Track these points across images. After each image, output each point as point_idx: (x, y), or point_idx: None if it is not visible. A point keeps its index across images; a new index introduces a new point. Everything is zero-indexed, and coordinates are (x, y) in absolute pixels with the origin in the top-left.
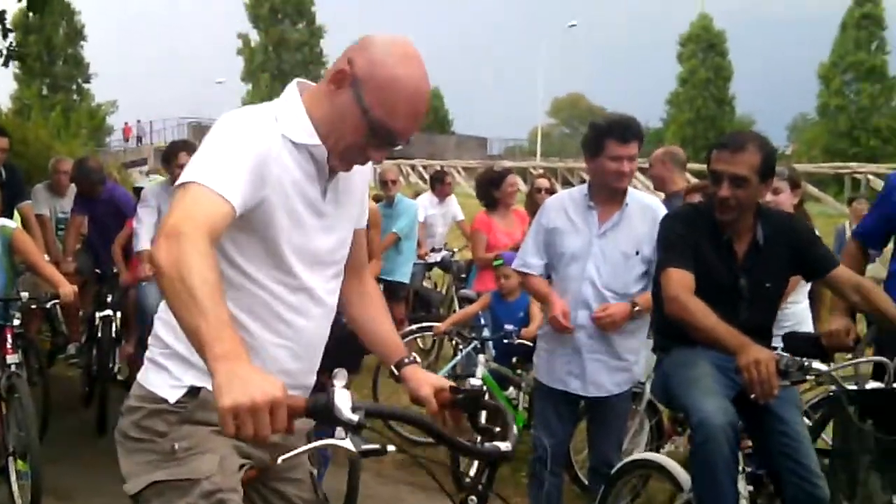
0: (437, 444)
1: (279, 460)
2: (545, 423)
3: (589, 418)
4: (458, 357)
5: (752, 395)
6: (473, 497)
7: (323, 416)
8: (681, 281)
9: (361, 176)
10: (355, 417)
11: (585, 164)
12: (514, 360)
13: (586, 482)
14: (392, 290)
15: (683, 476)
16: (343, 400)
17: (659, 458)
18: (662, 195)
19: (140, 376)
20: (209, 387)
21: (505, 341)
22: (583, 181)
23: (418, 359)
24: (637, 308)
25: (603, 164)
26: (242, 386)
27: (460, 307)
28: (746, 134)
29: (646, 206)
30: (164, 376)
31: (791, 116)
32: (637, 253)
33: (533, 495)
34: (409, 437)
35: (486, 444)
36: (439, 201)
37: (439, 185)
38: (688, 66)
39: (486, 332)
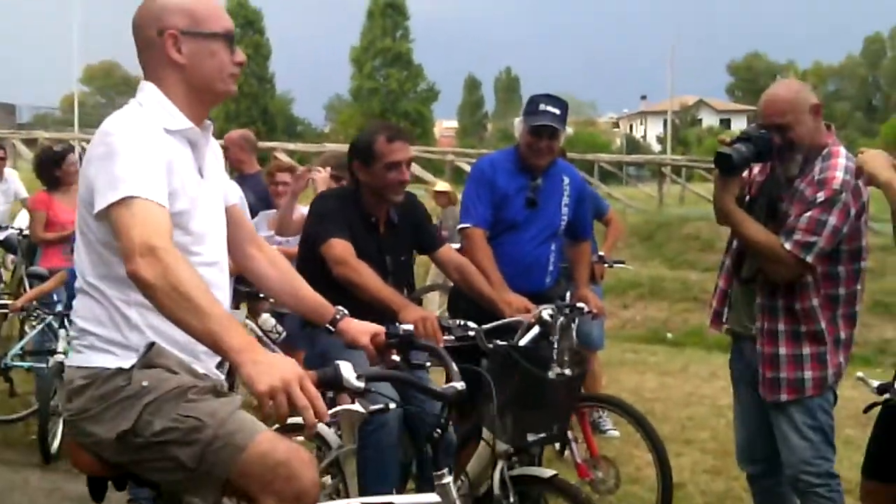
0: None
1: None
2: None
3: None
4: (31, 334)
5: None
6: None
7: (333, 385)
8: (345, 247)
9: (214, 153)
10: (361, 384)
11: None
12: None
13: None
14: None
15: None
16: (348, 370)
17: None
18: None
19: (75, 361)
20: (160, 341)
21: None
22: None
23: (346, 311)
24: None
25: None
26: (270, 370)
27: (31, 285)
28: (399, 126)
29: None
30: (108, 356)
31: (328, 97)
32: None
33: None
34: None
35: (445, 386)
36: None
37: None
38: None
39: (59, 308)
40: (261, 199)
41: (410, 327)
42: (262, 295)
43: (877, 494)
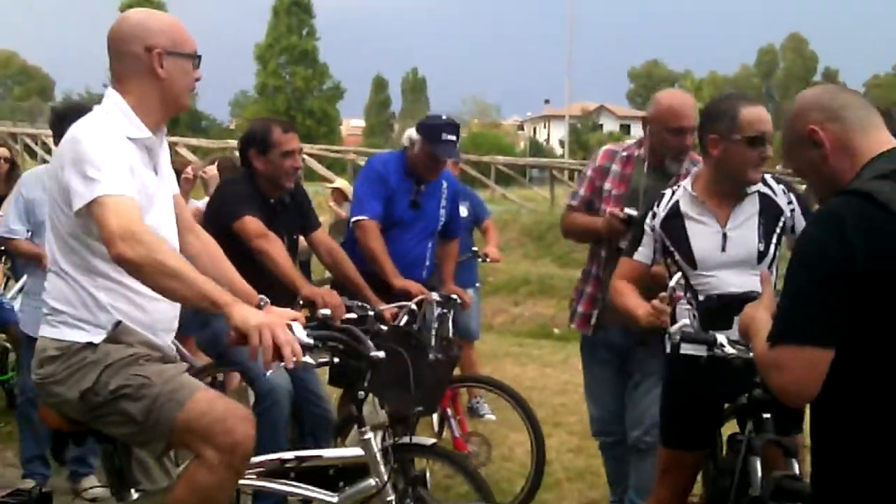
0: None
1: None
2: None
3: None
4: None
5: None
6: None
7: None
8: (259, 223)
9: (165, 151)
10: (310, 340)
11: None
12: None
13: None
14: None
15: None
16: (299, 329)
17: None
18: None
19: (49, 333)
20: (124, 319)
21: None
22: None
23: (268, 300)
24: None
25: None
26: (257, 314)
27: None
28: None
29: None
30: (80, 332)
31: (233, 93)
32: None
33: (28, 436)
34: None
35: (372, 353)
36: None
37: None
38: None
39: None
40: None
41: (328, 312)
42: None
43: (678, 461)
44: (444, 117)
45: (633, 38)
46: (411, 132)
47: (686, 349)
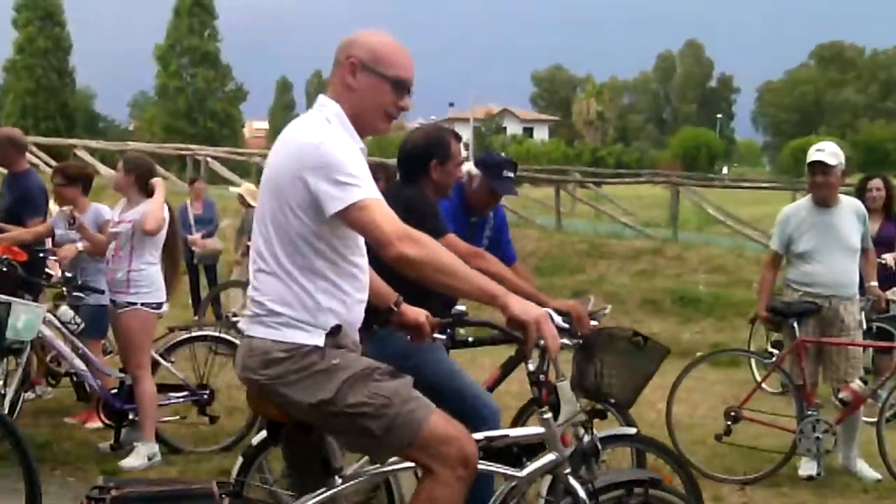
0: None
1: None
2: None
3: None
4: None
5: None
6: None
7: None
8: (468, 248)
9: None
10: (566, 325)
11: None
12: None
13: None
14: None
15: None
16: (556, 317)
17: None
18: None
19: (273, 336)
20: (340, 321)
21: None
22: None
23: (401, 298)
24: None
25: None
26: (531, 307)
27: None
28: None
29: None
30: (303, 333)
31: (132, 94)
32: None
33: None
34: None
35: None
36: None
37: None
38: (25, 33)
39: None
40: (29, 199)
41: (463, 308)
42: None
43: None
44: (503, 155)
45: (537, 42)
46: (470, 167)
47: None
